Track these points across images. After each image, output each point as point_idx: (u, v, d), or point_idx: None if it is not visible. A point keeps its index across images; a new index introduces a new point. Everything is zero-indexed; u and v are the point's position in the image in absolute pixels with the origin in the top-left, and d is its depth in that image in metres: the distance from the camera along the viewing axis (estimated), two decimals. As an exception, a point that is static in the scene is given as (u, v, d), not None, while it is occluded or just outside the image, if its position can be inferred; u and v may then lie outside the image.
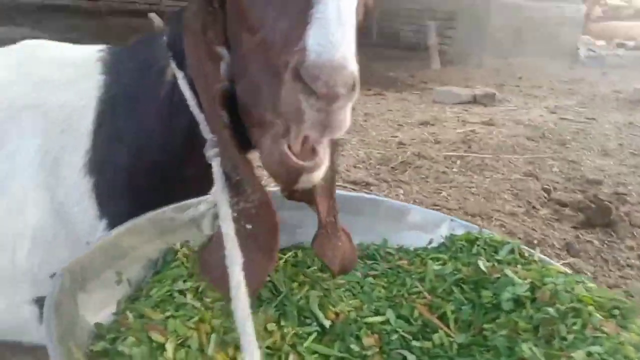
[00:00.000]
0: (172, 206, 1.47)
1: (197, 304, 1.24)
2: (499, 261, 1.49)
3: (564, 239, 2.40)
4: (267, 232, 1.15)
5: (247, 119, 1.14)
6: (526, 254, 1.53)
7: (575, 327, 1.21)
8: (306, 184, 1.00)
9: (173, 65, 1.37)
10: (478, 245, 1.57)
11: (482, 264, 1.48)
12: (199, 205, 1.25)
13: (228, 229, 1.03)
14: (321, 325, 1.31)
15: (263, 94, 1.00)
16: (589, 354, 1.11)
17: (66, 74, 1.54)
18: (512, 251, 1.53)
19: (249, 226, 1.13)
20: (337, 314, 1.36)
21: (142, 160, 1.47)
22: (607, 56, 9.61)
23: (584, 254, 2.26)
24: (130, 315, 1.19)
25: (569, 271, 1.45)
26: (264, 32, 0.99)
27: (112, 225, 1.44)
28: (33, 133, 1.47)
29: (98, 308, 1.23)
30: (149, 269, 1.38)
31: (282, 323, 1.29)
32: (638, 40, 10.95)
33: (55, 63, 1.56)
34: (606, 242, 2.56)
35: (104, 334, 1.14)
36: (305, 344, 1.27)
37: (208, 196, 1.36)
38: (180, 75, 1.35)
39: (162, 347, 1.09)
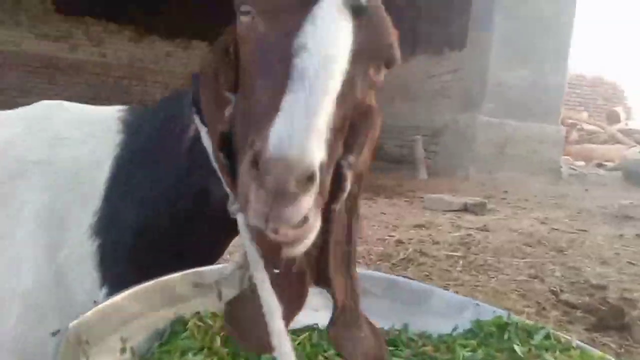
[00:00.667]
0: (182, 273, 1.36)
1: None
2: (535, 346, 1.38)
3: (582, 341, 2.28)
4: (295, 277, 1.06)
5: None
6: (562, 339, 1.42)
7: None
8: (290, 255, 0.87)
9: (197, 120, 1.33)
10: (509, 331, 1.45)
11: (518, 349, 1.36)
12: (223, 268, 1.15)
13: (263, 278, 0.92)
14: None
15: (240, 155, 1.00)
16: None
17: (82, 131, 1.49)
18: (547, 336, 1.42)
19: (275, 271, 1.02)
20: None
21: (151, 219, 1.38)
22: (589, 174, 9.94)
23: (604, 357, 2.12)
24: (136, 386, 1.04)
25: (611, 358, 1.33)
26: (248, 96, 1.01)
27: (111, 293, 1.31)
28: (41, 189, 1.39)
29: (100, 378, 1.08)
30: (154, 339, 1.24)
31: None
32: (616, 162, 11.42)
33: (71, 121, 1.52)
34: (623, 346, 2.43)
35: (105, 406, 0.99)
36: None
37: (225, 265, 1.25)
38: (203, 130, 1.30)
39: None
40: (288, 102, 0.84)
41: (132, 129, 1.48)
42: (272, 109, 0.84)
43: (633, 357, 2.18)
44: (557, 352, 1.35)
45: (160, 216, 1.38)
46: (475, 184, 9.08)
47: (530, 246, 4.27)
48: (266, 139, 0.79)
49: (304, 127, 0.81)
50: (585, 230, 5.44)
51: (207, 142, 1.27)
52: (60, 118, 1.53)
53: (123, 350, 1.15)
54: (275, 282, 1.00)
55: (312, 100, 0.85)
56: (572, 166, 10.92)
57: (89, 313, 1.07)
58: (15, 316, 1.30)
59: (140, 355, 1.19)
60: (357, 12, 0.98)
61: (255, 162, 0.80)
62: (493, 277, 3.05)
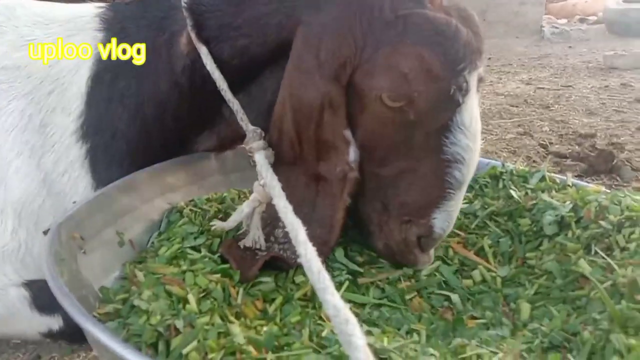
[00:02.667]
0: (169, 161, 1.33)
1: (216, 258, 1.10)
2: (531, 189, 1.38)
3: (573, 186, 2.32)
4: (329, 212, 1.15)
5: (363, 205, 1.18)
6: (557, 180, 1.43)
7: (634, 236, 1.10)
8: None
9: (192, 34, 1.20)
10: (504, 179, 1.45)
11: (514, 193, 1.37)
12: (242, 209, 1.12)
13: (285, 205, 0.92)
14: (352, 273, 1.18)
15: (370, 210, 1.17)
16: (660, 257, 1.01)
17: (53, 31, 1.38)
18: (543, 179, 1.42)
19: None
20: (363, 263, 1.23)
21: (148, 128, 1.32)
22: (572, 31, 9.70)
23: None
24: (139, 273, 1.04)
25: (606, 190, 1.35)
26: (383, 163, 1.11)
27: None
28: (14, 96, 1.31)
29: (101, 272, 1.08)
30: (151, 230, 1.23)
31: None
32: (598, 15, 11.13)
33: (38, 20, 1.40)
34: (613, 186, 2.49)
35: (110, 297, 0.99)
36: (339, 293, 1.13)
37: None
38: (203, 50, 1.19)
39: (183, 300, 0.95)
40: (448, 206, 1.11)
41: (113, 27, 1.35)
42: (433, 202, 1.11)
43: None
44: (554, 192, 1.36)
45: (157, 126, 1.32)
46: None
47: (517, 106, 4.24)
48: (431, 227, 1.12)
49: (454, 218, 1.15)
50: (570, 86, 5.40)
51: (214, 70, 1.18)
52: (24, 18, 1.41)
53: (121, 243, 1.15)
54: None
55: (461, 200, 1.14)
56: (554, 25, 10.62)
57: (74, 210, 1.05)
58: (11, 227, 1.28)
59: (140, 246, 1.19)
60: (479, 84, 1.09)
61: (419, 240, 1.14)
62: (482, 140, 3.05)
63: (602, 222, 1.15)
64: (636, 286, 0.92)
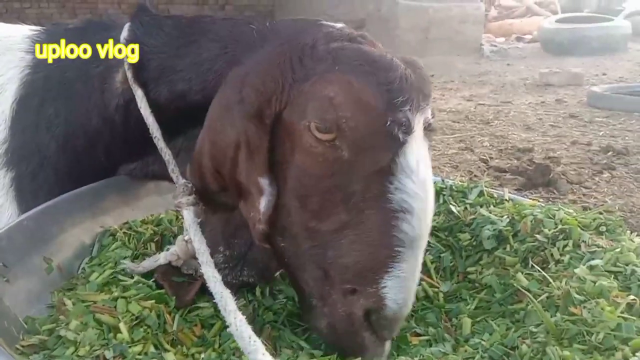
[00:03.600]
0: (103, 181, 1.27)
1: (151, 283, 1.05)
2: (470, 204, 1.41)
3: (511, 201, 2.39)
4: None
5: (301, 272, 1.03)
6: (495, 195, 1.46)
7: (568, 248, 1.13)
8: None
9: (128, 73, 1.15)
10: (444, 194, 1.47)
11: (454, 208, 1.39)
12: (158, 258, 1.08)
13: (208, 261, 0.93)
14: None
15: (310, 278, 0.99)
16: (591, 268, 1.04)
17: None
18: (481, 194, 1.45)
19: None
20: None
21: (79, 157, 1.25)
22: (509, 49, 10.14)
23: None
24: (68, 301, 0.98)
25: (542, 203, 1.39)
26: (316, 214, 0.95)
27: None
28: None
29: (27, 301, 1.01)
30: (82, 255, 1.17)
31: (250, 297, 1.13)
32: (534, 34, 11.67)
33: None
34: (550, 199, 2.58)
35: (36, 328, 0.93)
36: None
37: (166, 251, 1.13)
38: (139, 93, 1.13)
39: (114, 329, 0.90)
40: (401, 270, 0.91)
41: (44, 50, 1.27)
42: (381, 265, 0.91)
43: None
44: (492, 206, 1.39)
45: (87, 156, 1.25)
46: (402, 72, 9.06)
47: (459, 122, 4.37)
48: (381, 300, 0.92)
49: (412, 288, 0.95)
50: (509, 102, 5.62)
51: (148, 119, 1.13)
52: None
53: (49, 270, 1.08)
54: None
55: (418, 264, 0.94)
56: (493, 43, 11.08)
57: (-3, 234, 0.98)
58: None
59: (69, 273, 1.12)
60: (429, 131, 0.98)
61: (368, 317, 0.94)
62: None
63: (538, 236, 1.18)
64: (570, 298, 0.95)
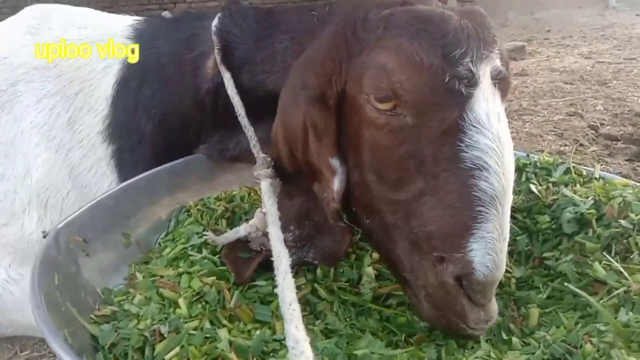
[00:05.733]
0: (182, 160, 1.35)
1: (216, 259, 1.10)
2: (554, 183, 1.30)
3: (620, 173, 2.18)
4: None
5: (375, 242, 1.06)
6: (584, 172, 1.33)
7: (656, 237, 1.02)
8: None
9: (218, 57, 1.23)
10: (527, 172, 1.38)
11: (534, 187, 1.29)
12: (238, 230, 1.13)
13: (278, 235, 0.94)
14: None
15: (400, 250, 0.97)
16: (680, 263, 0.92)
17: (84, 34, 1.45)
18: (567, 171, 1.34)
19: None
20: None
21: (172, 138, 1.37)
22: (640, -3, 9.06)
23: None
24: (139, 275, 1.06)
25: (636, 183, 1.25)
26: (390, 186, 0.95)
27: None
28: (44, 94, 1.39)
29: (107, 272, 1.10)
30: (159, 230, 1.25)
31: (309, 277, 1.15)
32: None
33: (71, 25, 1.47)
34: (667, 171, 2.32)
35: (111, 299, 1.02)
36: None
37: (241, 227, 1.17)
38: (227, 76, 1.22)
39: (175, 304, 0.96)
40: (486, 230, 0.87)
41: (144, 39, 1.41)
42: (464, 228, 0.87)
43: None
44: (578, 186, 1.28)
45: (180, 135, 1.36)
46: (516, 28, 8.48)
47: (571, 83, 4.01)
48: (469, 264, 0.87)
49: (502, 249, 0.88)
50: (633, 59, 5.06)
51: (234, 96, 1.20)
52: (60, 21, 1.48)
53: (127, 245, 1.17)
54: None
55: (504, 223, 0.88)
56: (621, -9, 9.97)
57: (75, 214, 1.07)
58: (36, 217, 1.35)
59: (147, 247, 1.21)
60: (500, 81, 0.91)
61: (460, 282, 0.90)
62: (528, 122, 2.91)
63: (622, 221, 1.07)
64: (647, 296, 0.85)
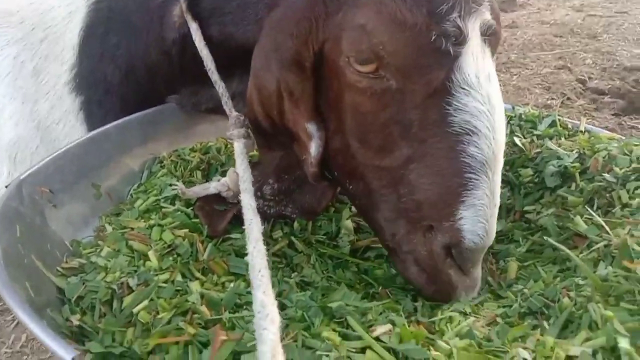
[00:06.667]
0: (156, 108, 1.29)
1: (189, 211, 1.07)
2: (538, 136, 1.28)
3: (606, 127, 2.16)
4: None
5: (358, 207, 1.04)
6: (570, 125, 1.31)
7: (639, 191, 1.00)
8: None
9: (184, 5, 1.14)
10: (512, 124, 1.34)
11: (518, 140, 1.26)
12: (209, 186, 1.08)
13: (250, 203, 0.87)
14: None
15: (386, 218, 0.94)
16: (662, 216, 0.91)
17: None
18: (553, 124, 1.31)
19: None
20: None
21: (140, 88, 1.29)
22: (635, -52, 8.85)
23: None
24: (109, 227, 1.03)
25: (621, 136, 1.22)
26: (375, 150, 0.90)
27: None
28: (7, 41, 1.30)
29: (76, 224, 1.07)
30: (131, 182, 1.21)
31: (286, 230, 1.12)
32: None
33: None
34: (653, 126, 2.30)
35: (80, 251, 0.98)
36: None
37: (216, 180, 1.14)
38: (194, 26, 1.13)
39: (144, 257, 0.93)
40: (476, 197, 0.84)
41: None
42: (453, 195, 0.84)
43: (663, 136, 2.04)
44: (562, 139, 1.25)
45: (147, 85, 1.29)
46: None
47: (561, 37, 3.95)
48: (458, 232, 0.85)
49: (492, 215, 0.86)
50: (625, 12, 4.98)
51: (202, 51, 1.12)
52: None
53: (97, 195, 1.13)
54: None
55: (495, 189, 0.86)
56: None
57: (40, 164, 1.03)
58: (6, 172, 1.30)
59: (119, 199, 1.17)
60: (490, 36, 0.85)
61: (449, 252, 0.88)
62: (515, 75, 2.86)
63: (607, 175, 1.05)
64: (627, 250, 0.84)
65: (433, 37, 0.79)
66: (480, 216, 0.84)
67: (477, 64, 0.82)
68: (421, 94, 0.83)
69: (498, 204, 0.87)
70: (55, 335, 0.69)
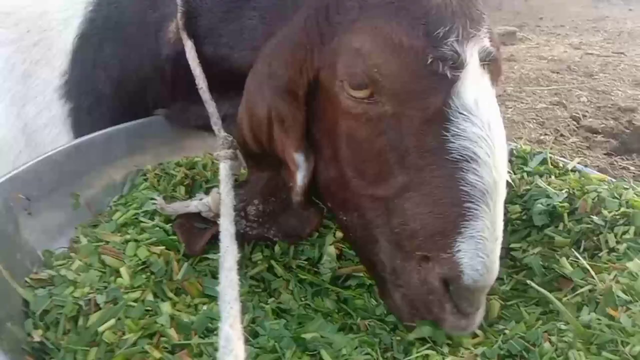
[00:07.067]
0: (145, 119, 1.27)
1: (168, 228, 1.04)
2: (528, 173, 1.26)
3: (597, 166, 2.16)
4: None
5: (352, 239, 1.01)
6: (561, 164, 1.29)
7: (627, 236, 0.98)
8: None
9: (180, 23, 1.13)
10: (503, 159, 1.33)
11: (508, 176, 1.25)
12: (189, 205, 1.05)
13: (228, 228, 0.87)
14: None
15: (380, 251, 0.91)
16: (649, 264, 0.89)
17: None
18: (544, 161, 1.29)
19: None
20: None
21: (131, 99, 1.28)
22: (635, -9, 9.02)
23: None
24: (83, 239, 0.99)
25: (611, 179, 1.21)
26: (370, 180, 0.88)
27: None
28: (1, 42, 1.29)
29: (52, 234, 1.03)
30: (113, 193, 1.18)
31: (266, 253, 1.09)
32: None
33: None
34: (644, 170, 2.30)
35: (52, 262, 0.95)
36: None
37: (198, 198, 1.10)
38: (188, 44, 1.11)
39: (117, 272, 0.90)
40: (476, 229, 0.79)
41: None
42: (451, 225, 0.80)
43: (653, 178, 2.04)
44: (553, 177, 1.24)
45: (137, 97, 1.27)
46: (509, 13, 8.41)
47: (558, 73, 3.98)
48: (456, 267, 0.80)
49: (494, 250, 0.80)
50: (622, 53, 5.05)
51: (195, 70, 1.11)
52: None
53: (75, 205, 1.10)
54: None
55: (496, 221, 0.80)
56: (617, -16, 9.91)
57: (19, 170, 1.00)
58: None
59: (99, 210, 1.14)
60: (489, 63, 0.84)
61: (447, 287, 0.83)
62: (510, 108, 2.87)
63: (595, 217, 1.03)
64: (611, 297, 0.82)
65: (430, 60, 0.78)
66: (479, 250, 0.79)
67: (476, 89, 0.80)
68: (418, 120, 0.81)
69: (500, 239, 0.82)
70: (5, 353, 0.66)
